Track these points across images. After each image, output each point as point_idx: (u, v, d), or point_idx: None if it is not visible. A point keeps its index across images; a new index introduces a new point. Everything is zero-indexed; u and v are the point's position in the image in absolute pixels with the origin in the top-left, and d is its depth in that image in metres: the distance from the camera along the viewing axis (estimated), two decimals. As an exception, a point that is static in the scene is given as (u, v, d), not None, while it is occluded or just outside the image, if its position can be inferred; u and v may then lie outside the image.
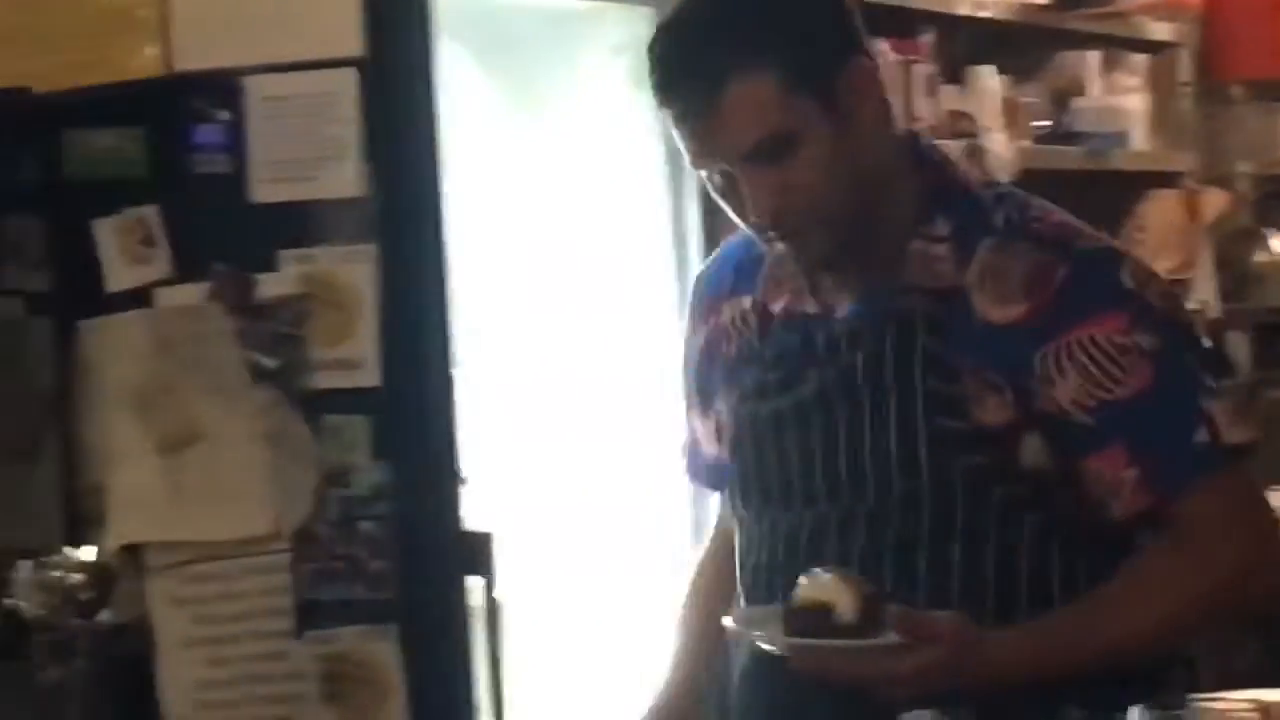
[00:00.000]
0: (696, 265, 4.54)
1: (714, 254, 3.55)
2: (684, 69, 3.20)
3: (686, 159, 3.29)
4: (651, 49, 3.24)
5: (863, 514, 3.23)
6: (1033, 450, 3.22)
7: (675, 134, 3.26)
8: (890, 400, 3.24)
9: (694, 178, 4.55)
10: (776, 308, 3.35)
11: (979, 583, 3.16)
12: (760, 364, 3.36)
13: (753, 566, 3.38)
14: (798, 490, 3.30)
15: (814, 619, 3.07)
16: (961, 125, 6.38)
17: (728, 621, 3.28)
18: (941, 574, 3.17)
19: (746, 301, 3.39)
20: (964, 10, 6.43)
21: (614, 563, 4.60)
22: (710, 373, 3.48)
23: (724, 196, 3.26)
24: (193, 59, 3.80)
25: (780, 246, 3.28)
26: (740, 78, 3.15)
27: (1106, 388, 3.20)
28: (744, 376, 3.39)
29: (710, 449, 3.53)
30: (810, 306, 3.32)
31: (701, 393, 3.52)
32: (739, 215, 3.26)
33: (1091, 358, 3.20)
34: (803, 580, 3.11)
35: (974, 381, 3.20)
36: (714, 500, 3.73)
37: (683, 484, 4.57)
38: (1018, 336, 3.22)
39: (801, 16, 3.22)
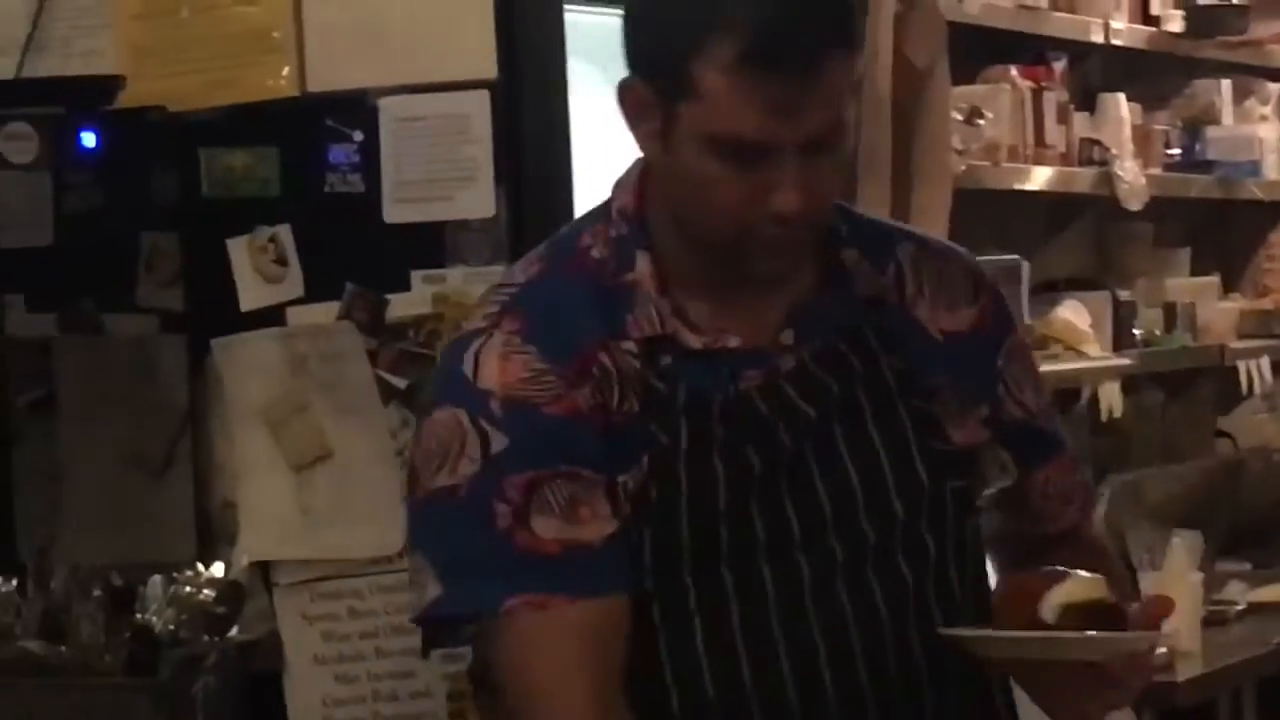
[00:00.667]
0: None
1: (538, 303, 2.81)
2: (802, 21, 2.70)
3: (774, 131, 2.71)
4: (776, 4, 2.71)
5: (870, 549, 2.87)
6: (998, 467, 2.99)
7: (770, 100, 2.71)
8: (873, 429, 2.91)
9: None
10: (693, 342, 2.80)
11: (980, 610, 2.98)
12: (690, 413, 2.80)
13: (724, 629, 2.83)
14: (788, 539, 2.87)
15: (1099, 618, 3.01)
16: (1093, 152, 6.35)
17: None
18: (948, 602, 2.90)
19: (628, 344, 2.78)
20: (1097, 38, 6.40)
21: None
22: (602, 438, 2.78)
23: (722, 181, 2.72)
24: (327, 80, 3.81)
25: (756, 256, 2.79)
26: (841, 50, 2.74)
27: (1041, 391, 3.07)
28: (669, 430, 2.80)
29: (607, 527, 2.76)
30: (732, 340, 2.83)
31: (594, 464, 2.76)
32: (741, 203, 2.72)
33: (1027, 362, 3.06)
34: (1066, 585, 3.02)
35: (951, 396, 2.92)
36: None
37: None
38: (976, 344, 2.98)
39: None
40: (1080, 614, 2.91)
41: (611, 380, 2.74)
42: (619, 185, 2.89)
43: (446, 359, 2.80)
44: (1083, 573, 2.91)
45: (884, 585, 2.86)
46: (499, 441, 2.68)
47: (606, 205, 2.88)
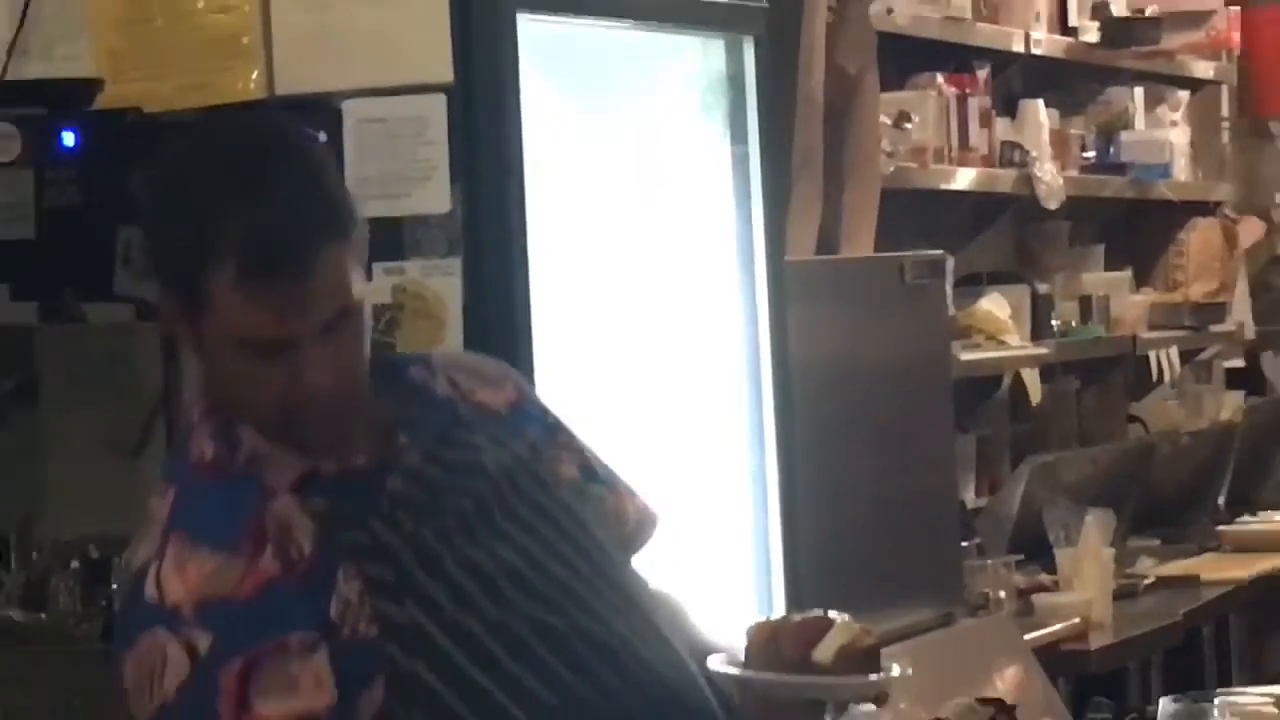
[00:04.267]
0: (762, 265, 4.55)
1: (189, 514, 2.73)
2: (289, 230, 2.71)
3: (284, 329, 2.71)
4: (234, 214, 2.70)
5: (577, 615, 2.81)
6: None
7: (274, 309, 2.71)
8: (524, 499, 2.88)
9: (758, 190, 4.56)
10: (329, 468, 2.76)
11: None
12: (389, 508, 2.77)
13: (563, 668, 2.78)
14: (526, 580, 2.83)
15: (867, 659, 3.02)
16: (1013, 155, 6.37)
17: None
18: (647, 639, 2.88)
19: (281, 500, 2.73)
20: (1018, 48, 6.41)
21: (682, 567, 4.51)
22: (302, 594, 2.69)
23: (257, 377, 2.72)
24: (293, 83, 3.81)
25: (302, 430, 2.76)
26: (333, 243, 2.73)
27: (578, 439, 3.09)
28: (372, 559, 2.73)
29: (327, 696, 2.66)
30: (360, 458, 2.80)
31: (300, 625, 2.67)
32: (279, 393, 2.71)
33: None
34: (839, 629, 3.03)
35: (544, 451, 2.96)
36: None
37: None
38: (529, 411, 3.01)
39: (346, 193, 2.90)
40: (850, 656, 2.94)
41: (286, 535, 2.69)
42: (186, 404, 2.89)
43: (127, 599, 2.74)
44: (844, 616, 2.94)
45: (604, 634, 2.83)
46: (204, 641, 2.61)
47: (187, 427, 2.85)
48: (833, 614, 2.98)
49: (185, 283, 2.70)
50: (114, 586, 3.36)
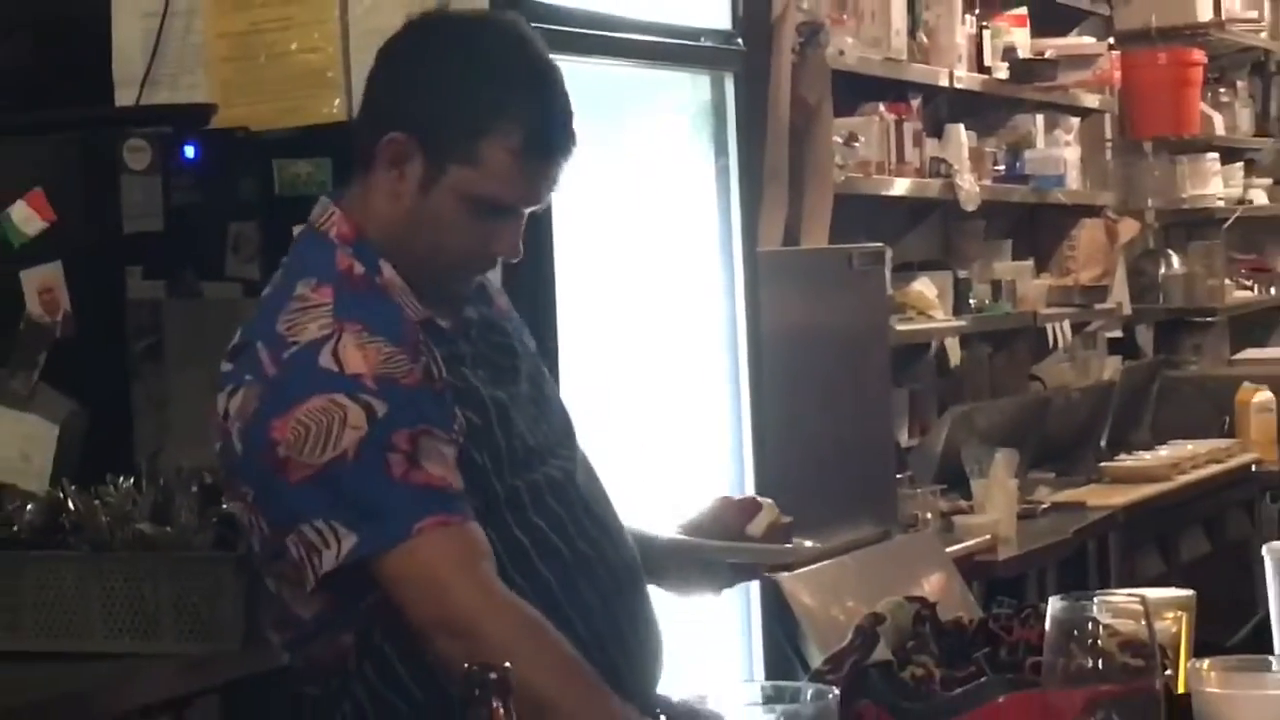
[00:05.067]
0: (739, 255, 4.53)
1: (360, 310, 2.63)
2: (566, 126, 2.70)
3: (525, 199, 2.72)
4: (529, 96, 2.68)
5: (577, 461, 2.84)
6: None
7: (533, 179, 2.71)
8: (546, 393, 2.88)
9: (735, 195, 4.55)
10: (441, 322, 2.72)
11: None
12: (483, 362, 2.78)
13: (568, 520, 2.77)
14: (537, 456, 2.79)
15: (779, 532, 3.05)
16: (940, 168, 6.36)
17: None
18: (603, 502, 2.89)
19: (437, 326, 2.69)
20: (944, 83, 6.39)
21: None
22: (440, 400, 2.67)
23: (464, 229, 2.68)
24: (368, 108, 3.80)
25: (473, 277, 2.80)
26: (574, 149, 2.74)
27: None
28: (469, 379, 2.74)
29: (457, 475, 2.64)
30: (448, 321, 2.73)
31: (442, 425, 2.65)
32: (470, 246, 2.69)
33: None
34: (765, 511, 3.05)
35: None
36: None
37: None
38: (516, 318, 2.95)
39: None
40: (774, 531, 2.97)
41: (430, 356, 2.63)
42: (322, 219, 2.74)
43: (300, 365, 2.57)
44: (769, 501, 2.99)
45: (594, 489, 2.83)
46: (381, 408, 2.53)
47: (320, 236, 2.73)
48: (760, 499, 3.01)
49: (462, 136, 2.63)
50: (223, 506, 3.35)
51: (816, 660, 2.25)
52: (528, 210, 2.70)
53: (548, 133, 2.67)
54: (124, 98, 3.96)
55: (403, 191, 2.66)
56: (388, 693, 2.60)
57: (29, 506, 3.35)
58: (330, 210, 2.72)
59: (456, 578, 2.52)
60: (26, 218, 3.57)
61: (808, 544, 3.00)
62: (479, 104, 2.64)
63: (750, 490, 4.45)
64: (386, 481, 2.52)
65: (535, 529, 2.66)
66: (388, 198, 2.67)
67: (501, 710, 1.54)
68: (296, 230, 3.72)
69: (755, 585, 4.32)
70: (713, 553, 2.89)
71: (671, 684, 2.81)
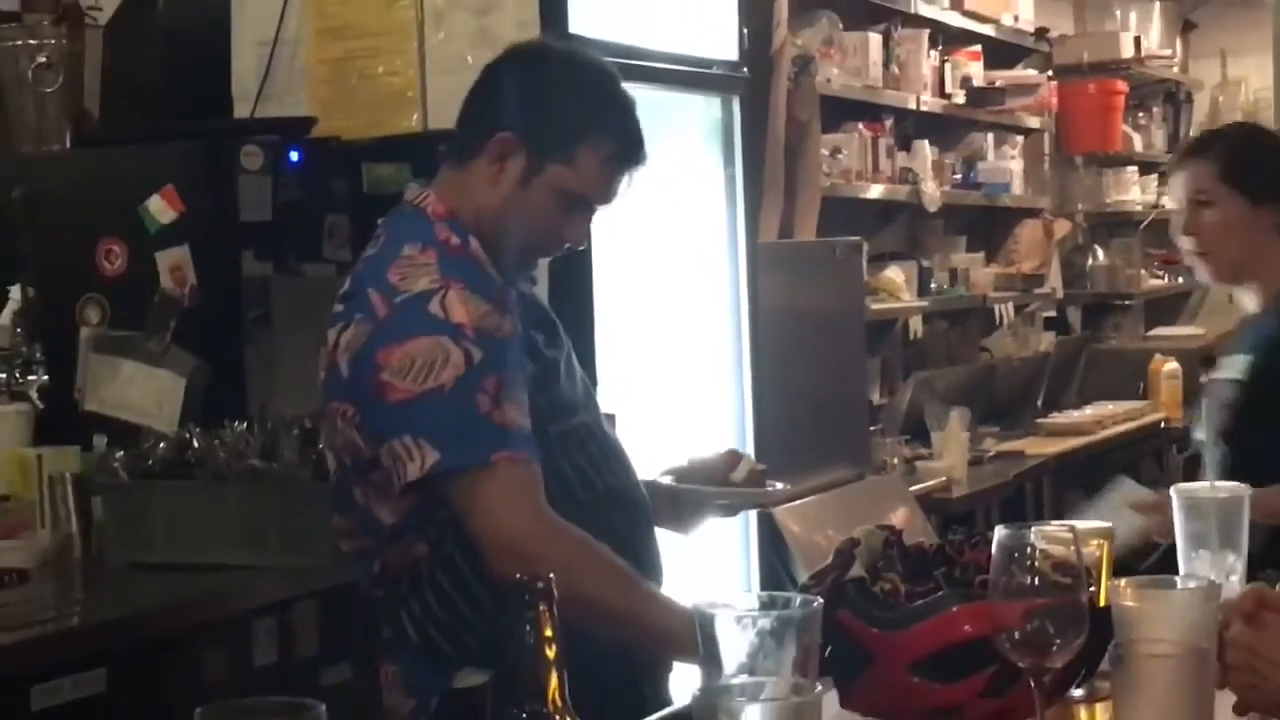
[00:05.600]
0: (743, 246, 4.52)
1: (461, 271, 2.62)
2: (643, 146, 2.74)
3: (602, 198, 2.73)
4: (618, 115, 2.73)
5: (599, 415, 2.83)
6: None
7: (611, 182, 2.72)
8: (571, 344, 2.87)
9: (740, 196, 4.54)
10: (521, 289, 2.74)
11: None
12: (538, 327, 2.76)
13: (600, 461, 2.79)
14: (578, 405, 2.80)
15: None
16: (908, 176, 6.35)
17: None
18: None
19: (510, 292, 2.67)
20: (911, 106, 6.38)
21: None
22: (523, 353, 2.67)
23: (553, 217, 2.69)
24: (438, 122, 3.80)
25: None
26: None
27: None
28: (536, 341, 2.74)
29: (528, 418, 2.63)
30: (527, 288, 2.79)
31: (524, 371, 2.66)
32: (553, 232, 2.70)
33: None
34: (747, 460, 3.06)
35: None
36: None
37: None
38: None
39: None
40: (753, 477, 2.97)
41: (512, 313, 2.62)
42: (418, 198, 2.73)
43: (410, 310, 2.54)
44: (749, 454, 3.00)
45: (613, 439, 2.82)
46: (477, 354, 2.51)
47: (418, 211, 2.71)
48: (741, 451, 3.01)
49: (563, 140, 2.65)
50: (319, 445, 3.35)
51: (803, 578, 2.25)
52: (599, 207, 2.71)
53: (630, 147, 2.70)
54: (241, 111, 3.97)
55: (502, 182, 2.66)
56: (456, 596, 2.59)
57: (161, 445, 3.36)
58: (426, 192, 2.72)
59: (521, 507, 2.52)
60: (161, 209, 3.58)
61: (780, 486, 3.01)
62: (580, 117, 2.66)
63: (750, 439, 4.46)
64: (474, 414, 2.50)
65: (578, 467, 2.66)
66: (487, 185, 2.66)
67: (546, 613, 1.54)
68: (379, 220, 3.75)
69: (753, 519, 4.34)
70: (705, 496, 2.88)
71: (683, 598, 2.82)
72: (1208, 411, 3.46)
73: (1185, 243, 3.47)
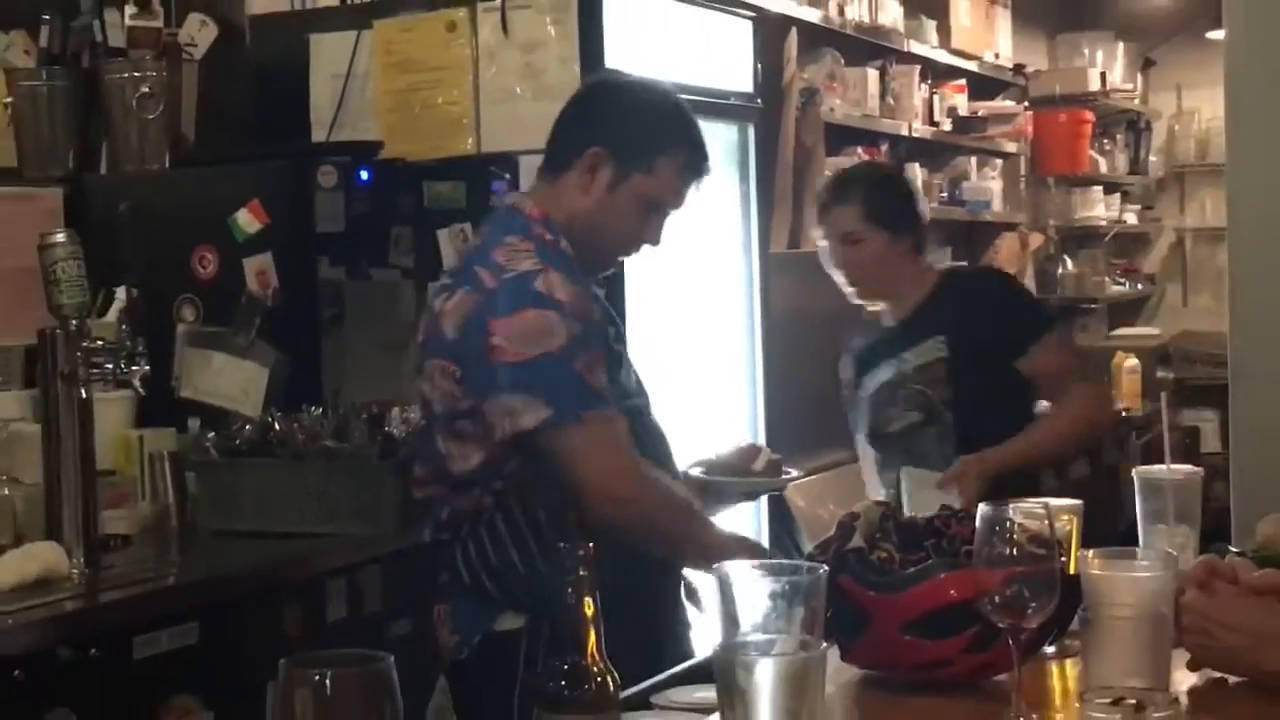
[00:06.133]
0: (756, 254, 4.51)
1: (557, 262, 2.65)
2: (705, 152, 2.82)
3: (676, 202, 2.78)
4: (689, 132, 2.79)
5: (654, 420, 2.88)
6: None
7: (684, 188, 2.78)
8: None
9: (754, 211, 4.53)
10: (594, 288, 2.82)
11: None
12: (609, 323, 2.82)
13: (655, 440, 2.85)
14: (633, 389, 2.86)
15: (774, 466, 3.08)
16: (901, 194, 6.34)
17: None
18: None
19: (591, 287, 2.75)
20: (904, 132, 6.37)
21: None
22: (604, 334, 2.77)
23: (635, 221, 2.76)
24: (491, 146, 3.82)
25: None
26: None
27: None
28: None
29: None
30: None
31: (605, 349, 2.74)
32: (635, 234, 2.78)
33: None
34: (765, 452, 3.11)
35: None
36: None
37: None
38: None
39: None
40: (770, 467, 2.99)
41: (596, 301, 2.69)
42: (519, 202, 2.78)
43: (518, 286, 2.57)
44: (765, 448, 3.05)
45: (659, 425, 2.85)
46: (576, 330, 2.55)
47: (516, 211, 2.74)
48: (759, 445, 3.03)
49: (645, 152, 2.71)
50: (386, 428, 3.35)
51: (809, 548, 2.25)
52: (672, 211, 2.76)
53: (699, 157, 2.76)
54: (318, 136, 3.98)
55: (593, 190, 2.70)
56: (509, 543, 2.61)
57: (247, 427, 3.38)
58: (526, 199, 2.77)
59: (617, 456, 2.57)
60: (248, 220, 3.59)
61: (794, 473, 3.05)
62: (658, 132, 2.73)
63: (762, 426, 4.46)
64: (576, 379, 2.55)
65: (640, 443, 2.68)
66: (579, 193, 2.71)
67: (587, 576, 1.54)
68: (440, 232, 3.76)
69: (764, 498, 4.34)
70: (731, 486, 2.93)
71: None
72: (905, 403, 3.53)
73: (837, 275, 3.63)
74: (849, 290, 3.63)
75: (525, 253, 2.61)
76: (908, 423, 3.50)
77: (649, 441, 2.74)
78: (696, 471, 2.93)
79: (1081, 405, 3.53)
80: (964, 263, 7.14)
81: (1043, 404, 3.54)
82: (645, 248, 2.80)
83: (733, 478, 2.94)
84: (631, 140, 2.71)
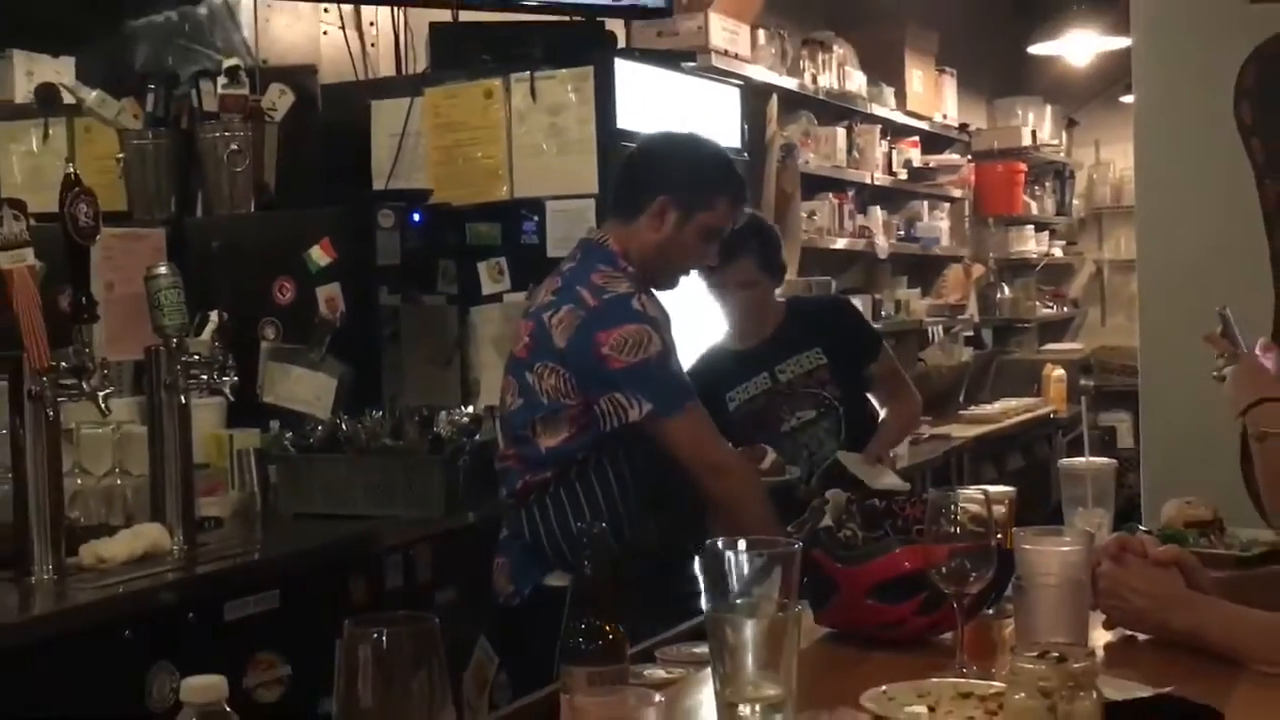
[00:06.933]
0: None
1: (641, 286, 2.77)
2: (745, 189, 2.96)
3: (730, 228, 2.89)
4: (733, 176, 2.87)
5: None
6: None
7: (736, 216, 2.90)
8: None
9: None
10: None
11: None
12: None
13: None
14: None
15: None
16: (865, 233, 6.35)
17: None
18: None
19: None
20: (868, 180, 6.37)
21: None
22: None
23: (699, 248, 2.85)
24: (523, 192, 3.81)
25: None
26: None
27: None
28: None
29: None
30: None
31: None
32: (699, 257, 2.87)
33: None
34: (772, 456, 3.14)
35: None
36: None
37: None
38: None
39: None
40: (775, 465, 3.01)
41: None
42: (603, 239, 2.81)
43: (619, 304, 2.66)
44: (770, 449, 3.11)
45: None
46: (667, 339, 2.66)
47: (601, 246, 2.79)
48: (765, 447, 3.01)
49: (703, 194, 2.77)
50: (435, 429, 3.34)
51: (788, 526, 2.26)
52: (726, 233, 2.85)
53: (742, 190, 2.88)
54: (378, 184, 3.98)
55: (664, 229, 2.77)
56: (568, 511, 2.68)
57: (318, 427, 3.38)
58: (606, 235, 2.82)
59: (716, 440, 2.69)
60: (320, 255, 3.59)
61: (796, 469, 3.06)
62: (716, 179, 2.81)
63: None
64: (674, 377, 2.65)
65: None
66: (650, 233, 2.78)
67: (604, 552, 1.54)
68: (480, 265, 3.76)
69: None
70: None
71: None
72: (798, 404, 3.56)
73: (727, 314, 3.62)
74: (735, 327, 3.64)
75: (619, 279, 2.70)
76: (803, 420, 3.53)
77: None
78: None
79: (912, 406, 3.81)
80: (918, 289, 7.16)
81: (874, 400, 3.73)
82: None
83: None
84: (693, 188, 2.78)
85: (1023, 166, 8.21)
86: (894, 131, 6.82)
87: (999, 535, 1.87)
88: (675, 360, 2.68)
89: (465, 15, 3.99)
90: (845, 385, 3.58)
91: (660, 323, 2.66)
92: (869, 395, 3.72)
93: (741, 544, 1.59)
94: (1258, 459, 2.34)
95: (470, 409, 3.47)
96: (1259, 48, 3.49)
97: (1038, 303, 8.58)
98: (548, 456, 2.68)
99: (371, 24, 4.35)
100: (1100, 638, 1.98)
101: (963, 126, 7.65)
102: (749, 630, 1.42)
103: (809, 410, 3.55)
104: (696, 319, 3.58)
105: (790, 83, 5.64)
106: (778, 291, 3.69)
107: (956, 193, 7.49)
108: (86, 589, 2.54)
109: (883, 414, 3.72)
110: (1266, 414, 2.32)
